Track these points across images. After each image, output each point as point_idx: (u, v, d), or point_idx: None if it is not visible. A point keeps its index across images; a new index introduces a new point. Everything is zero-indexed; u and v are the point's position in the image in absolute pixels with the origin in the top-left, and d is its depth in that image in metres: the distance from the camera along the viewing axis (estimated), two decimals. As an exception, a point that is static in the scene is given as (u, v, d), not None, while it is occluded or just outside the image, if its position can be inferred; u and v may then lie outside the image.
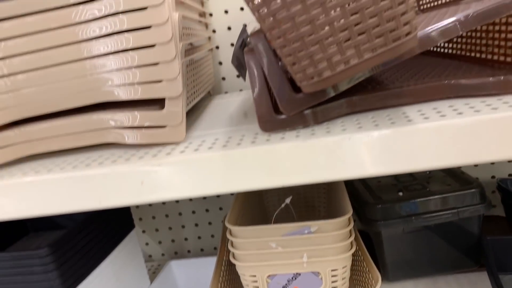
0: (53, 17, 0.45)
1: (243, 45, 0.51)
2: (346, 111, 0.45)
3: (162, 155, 0.43)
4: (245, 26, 0.56)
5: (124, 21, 0.44)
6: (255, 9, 0.33)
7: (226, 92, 0.82)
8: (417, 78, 0.48)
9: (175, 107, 0.46)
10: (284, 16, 0.33)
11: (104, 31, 0.44)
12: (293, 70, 0.37)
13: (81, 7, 0.44)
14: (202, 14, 0.75)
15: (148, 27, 0.44)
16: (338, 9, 0.32)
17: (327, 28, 0.33)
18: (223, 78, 0.82)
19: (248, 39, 0.47)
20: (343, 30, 0.34)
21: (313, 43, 0.34)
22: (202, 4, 0.76)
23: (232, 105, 0.65)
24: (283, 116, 0.43)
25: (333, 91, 0.42)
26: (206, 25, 0.75)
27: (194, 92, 0.59)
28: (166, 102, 0.46)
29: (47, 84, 0.47)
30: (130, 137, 0.47)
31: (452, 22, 0.40)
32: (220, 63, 0.81)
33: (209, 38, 0.75)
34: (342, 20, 0.33)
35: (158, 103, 0.49)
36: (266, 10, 0.33)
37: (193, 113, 0.64)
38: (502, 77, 0.41)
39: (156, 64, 0.45)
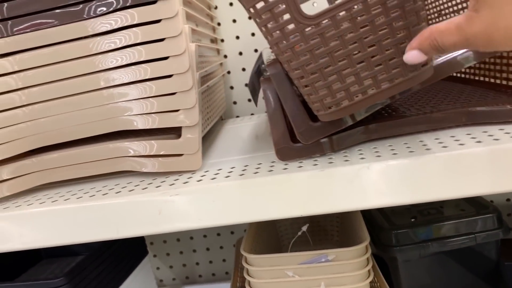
0: (71, 48, 0.46)
1: (258, 71, 0.51)
2: (363, 138, 0.45)
3: (179, 184, 0.44)
4: (261, 53, 0.56)
5: (142, 52, 0.44)
6: (273, 43, 0.34)
7: (237, 116, 0.83)
8: (432, 105, 0.48)
9: (192, 136, 0.46)
10: (303, 49, 0.33)
11: (122, 62, 0.45)
12: (310, 100, 0.37)
13: (99, 38, 0.45)
14: (214, 40, 0.77)
15: (166, 58, 0.44)
16: (355, 41, 0.33)
17: (345, 60, 0.34)
18: (235, 102, 0.83)
19: (264, 66, 0.47)
20: (361, 62, 0.34)
21: (331, 74, 0.35)
22: (214, 30, 0.77)
23: (245, 130, 0.66)
24: (300, 145, 0.43)
25: (351, 120, 0.42)
26: (218, 51, 0.76)
27: (208, 118, 0.60)
28: (183, 131, 0.46)
29: (65, 113, 0.47)
30: (147, 165, 0.47)
31: (467, 51, 0.40)
32: (232, 88, 0.82)
33: (221, 64, 0.76)
34: (360, 53, 0.33)
35: (174, 129, 0.50)
36: (285, 43, 0.34)
37: (207, 139, 0.64)
38: (519, 105, 0.41)
39: (173, 94, 0.45)
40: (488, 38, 0.27)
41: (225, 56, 0.81)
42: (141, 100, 0.46)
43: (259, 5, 0.31)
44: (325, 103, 0.37)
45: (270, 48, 0.35)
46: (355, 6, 0.31)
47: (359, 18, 0.32)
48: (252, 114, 0.83)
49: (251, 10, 0.32)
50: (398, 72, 0.34)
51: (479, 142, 0.39)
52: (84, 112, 0.47)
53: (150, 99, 0.45)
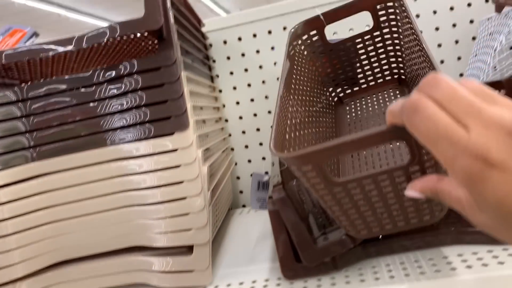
0: (94, 171, 0.50)
1: (259, 187, 0.55)
2: (363, 257, 0.48)
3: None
4: (255, 174, 0.61)
5: (161, 178, 0.49)
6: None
7: (243, 206, 0.86)
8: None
9: (203, 253, 0.50)
10: (330, 198, 0.35)
11: (143, 185, 0.49)
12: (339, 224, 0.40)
13: (125, 162, 0.50)
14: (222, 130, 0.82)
15: (180, 182, 0.49)
16: (378, 200, 0.35)
17: (366, 208, 0.36)
18: (241, 192, 0.87)
19: (270, 192, 0.51)
20: (381, 210, 0.36)
21: (354, 216, 0.37)
22: (223, 128, 0.82)
23: (252, 228, 0.69)
24: (304, 265, 0.46)
25: (351, 243, 0.45)
26: (226, 149, 0.81)
27: (216, 221, 0.63)
28: (195, 248, 0.50)
29: (87, 229, 0.51)
30: (160, 279, 0.51)
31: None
32: (238, 178, 0.87)
33: (230, 158, 0.81)
34: (381, 205, 0.36)
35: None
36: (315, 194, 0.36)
37: (216, 238, 0.67)
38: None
39: (186, 214, 0.49)
40: (487, 231, 0.26)
41: (232, 149, 0.86)
42: (159, 219, 0.50)
43: (293, 168, 0.34)
44: (346, 228, 0.39)
45: None
46: (380, 177, 0.33)
47: (383, 184, 0.33)
48: (257, 202, 0.86)
49: (289, 166, 0.35)
50: (414, 217, 0.37)
51: (469, 267, 0.42)
52: (105, 229, 0.51)
53: (167, 219, 0.50)
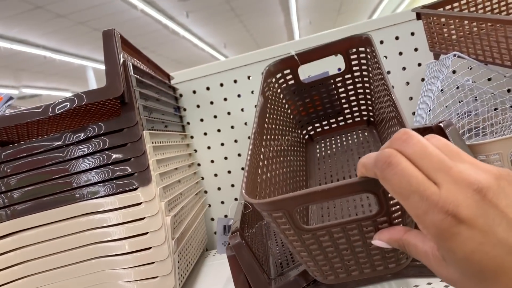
0: (65, 226, 0.54)
1: (225, 231, 0.60)
2: (316, 294, 0.52)
3: None
4: (219, 219, 0.64)
5: (128, 230, 0.53)
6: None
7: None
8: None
9: (169, 299, 0.53)
10: (300, 245, 0.37)
11: (111, 237, 0.53)
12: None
13: (91, 217, 0.54)
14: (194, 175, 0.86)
15: (145, 233, 0.53)
16: (346, 246, 0.36)
17: (335, 256, 0.37)
18: (215, 233, 0.90)
19: (228, 237, 0.55)
20: (349, 256, 0.38)
21: (322, 261, 0.38)
22: (195, 173, 0.87)
23: (223, 270, 0.72)
24: (262, 306, 0.50)
25: (304, 281, 0.49)
26: (199, 192, 0.85)
27: (187, 265, 0.67)
28: (162, 294, 0.53)
29: (61, 281, 0.55)
30: (130, 326, 0.54)
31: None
32: (212, 219, 0.90)
33: (202, 202, 0.85)
34: (348, 252, 0.37)
35: None
36: (284, 239, 0.38)
37: (189, 278, 0.71)
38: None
39: (152, 263, 0.53)
40: (451, 284, 0.27)
41: (206, 192, 0.90)
42: (127, 269, 0.53)
43: (264, 213, 0.35)
44: (314, 273, 0.40)
45: None
46: (349, 226, 0.34)
47: (351, 232, 0.35)
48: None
49: (261, 212, 0.36)
50: (380, 264, 0.38)
51: (409, 300, 0.46)
52: (80, 279, 0.54)
53: (135, 268, 0.53)
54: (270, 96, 0.62)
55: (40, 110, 0.51)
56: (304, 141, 0.72)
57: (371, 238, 0.34)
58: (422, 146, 0.26)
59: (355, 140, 0.68)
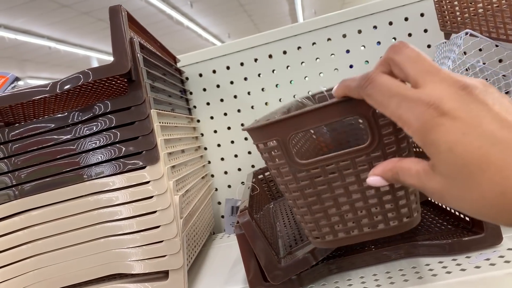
0: (73, 205, 0.54)
1: (233, 212, 0.59)
2: (326, 273, 0.52)
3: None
4: (228, 200, 0.64)
5: (136, 208, 0.53)
6: (273, 176, 0.38)
7: (225, 230, 0.90)
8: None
9: (178, 278, 0.53)
10: (294, 187, 0.36)
11: (120, 216, 0.53)
12: (301, 226, 0.40)
13: (100, 195, 0.54)
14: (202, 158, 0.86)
15: (154, 212, 0.52)
16: (341, 189, 0.35)
17: (331, 201, 0.36)
18: (222, 216, 0.90)
19: (237, 216, 0.55)
20: (345, 205, 0.36)
21: (318, 211, 0.37)
22: (202, 156, 0.86)
23: (231, 252, 0.72)
24: (272, 284, 0.50)
25: (313, 259, 0.49)
26: (205, 175, 0.85)
27: (194, 246, 0.67)
28: (170, 273, 0.53)
29: (69, 261, 0.54)
30: (139, 305, 0.54)
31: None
32: (219, 203, 0.90)
33: (209, 185, 0.85)
34: (345, 198, 0.36)
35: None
36: (279, 179, 0.37)
37: (196, 260, 0.70)
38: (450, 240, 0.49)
39: (161, 241, 0.53)
40: (441, 201, 0.26)
41: (212, 176, 0.90)
42: (135, 248, 0.53)
43: (261, 145, 0.35)
44: (312, 233, 0.39)
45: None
46: (342, 162, 0.34)
47: (345, 171, 0.34)
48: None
49: (257, 146, 0.36)
50: (380, 220, 0.36)
51: (420, 278, 0.46)
52: (88, 259, 0.54)
53: (143, 247, 0.53)
54: None
55: (47, 88, 0.51)
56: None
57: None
58: (415, 53, 0.26)
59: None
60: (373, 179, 0.31)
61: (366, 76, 0.28)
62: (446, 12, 0.68)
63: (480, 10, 0.60)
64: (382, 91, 0.27)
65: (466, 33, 0.62)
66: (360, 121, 0.59)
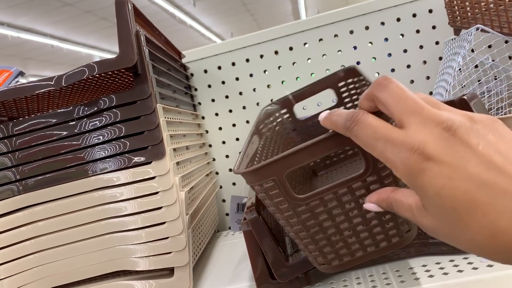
0: (77, 201, 0.53)
1: (238, 209, 0.58)
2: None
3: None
4: (233, 197, 0.63)
5: (141, 204, 0.52)
6: (272, 213, 0.38)
7: (230, 228, 0.89)
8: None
9: (183, 275, 0.52)
10: (296, 221, 0.36)
11: (124, 212, 0.52)
12: (305, 253, 0.40)
13: (104, 191, 0.53)
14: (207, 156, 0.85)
15: (159, 208, 0.52)
16: (342, 216, 0.36)
17: (333, 229, 0.36)
18: (227, 214, 0.89)
19: (244, 212, 0.54)
20: (348, 231, 0.36)
21: (321, 240, 0.37)
22: (207, 153, 0.86)
23: (236, 249, 0.71)
24: (279, 281, 0.49)
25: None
26: (210, 173, 0.84)
27: (200, 243, 0.66)
28: (175, 270, 0.52)
29: (73, 257, 0.54)
30: (143, 302, 0.53)
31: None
32: (224, 201, 0.89)
33: (214, 182, 0.84)
34: (347, 223, 0.36)
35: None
36: (279, 215, 0.37)
37: (201, 258, 0.70)
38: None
39: (166, 238, 0.52)
40: (436, 237, 0.27)
41: (217, 173, 0.89)
42: (140, 244, 0.52)
43: (256, 187, 0.35)
44: (317, 260, 0.39)
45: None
46: (340, 191, 0.34)
47: (344, 198, 0.35)
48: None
49: (252, 188, 0.36)
50: (382, 239, 0.36)
51: (431, 276, 0.45)
52: (92, 255, 0.54)
53: (148, 243, 0.52)
54: (268, 135, 0.61)
55: (52, 82, 0.50)
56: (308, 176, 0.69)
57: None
58: (400, 90, 0.26)
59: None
60: (370, 206, 0.32)
61: (352, 117, 0.28)
62: (456, 7, 0.67)
63: (492, 5, 0.59)
64: (368, 133, 0.27)
65: (477, 29, 0.61)
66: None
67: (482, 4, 0.61)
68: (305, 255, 0.48)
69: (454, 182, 0.23)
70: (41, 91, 0.50)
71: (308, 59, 0.84)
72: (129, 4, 0.51)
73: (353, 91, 0.63)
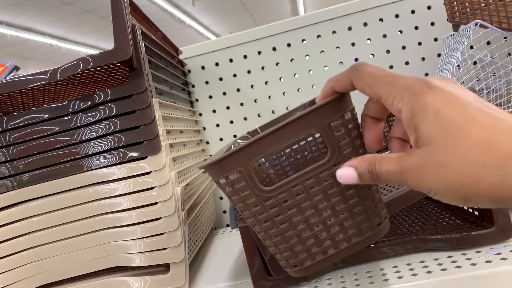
0: (72, 196, 0.53)
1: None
2: (331, 268, 0.50)
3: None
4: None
5: (136, 199, 0.51)
6: (240, 210, 0.36)
7: (227, 225, 0.88)
8: (388, 234, 0.54)
9: (179, 271, 0.52)
10: (264, 216, 0.35)
11: (119, 208, 0.52)
12: (277, 258, 0.39)
13: (96, 187, 0.52)
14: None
15: (155, 203, 0.51)
16: (311, 209, 0.35)
17: (303, 224, 0.36)
18: (224, 211, 0.89)
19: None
20: (318, 225, 0.36)
21: (292, 237, 0.36)
22: (204, 150, 0.85)
23: (233, 246, 0.71)
24: (275, 277, 0.48)
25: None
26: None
27: (196, 240, 0.65)
28: (171, 266, 0.52)
29: (67, 253, 0.53)
30: (139, 299, 0.52)
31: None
32: (221, 198, 0.89)
33: (211, 182, 0.83)
34: (316, 218, 0.35)
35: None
36: (247, 212, 0.35)
37: (198, 255, 0.69)
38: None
39: (161, 234, 0.51)
40: (420, 177, 0.26)
41: (214, 170, 0.88)
42: (135, 240, 0.52)
43: (222, 180, 0.34)
44: (290, 262, 0.38)
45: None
46: (307, 181, 0.34)
47: (312, 189, 0.34)
48: (241, 221, 0.88)
49: (218, 183, 0.35)
50: (354, 233, 0.36)
51: (429, 272, 0.44)
52: (87, 251, 0.53)
53: (143, 239, 0.52)
54: None
55: (46, 75, 0.49)
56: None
57: (334, 195, 0.34)
58: (378, 67, 0.29)
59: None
60: (346, 169, 0.31)
61: (357, 64, 0.30)
62: (455, 2, 0.66)
63: (491, 0, 0.59)
64: (375, 70, 0.29)
65: (476, 24, 0.60)
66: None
67: (481, -1, 0.61)
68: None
69: (454, 103, 0.25)
70: (35, 84, 0.49)
71: (306, 55, 0.83)
72: (124, -3, 0.50)
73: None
